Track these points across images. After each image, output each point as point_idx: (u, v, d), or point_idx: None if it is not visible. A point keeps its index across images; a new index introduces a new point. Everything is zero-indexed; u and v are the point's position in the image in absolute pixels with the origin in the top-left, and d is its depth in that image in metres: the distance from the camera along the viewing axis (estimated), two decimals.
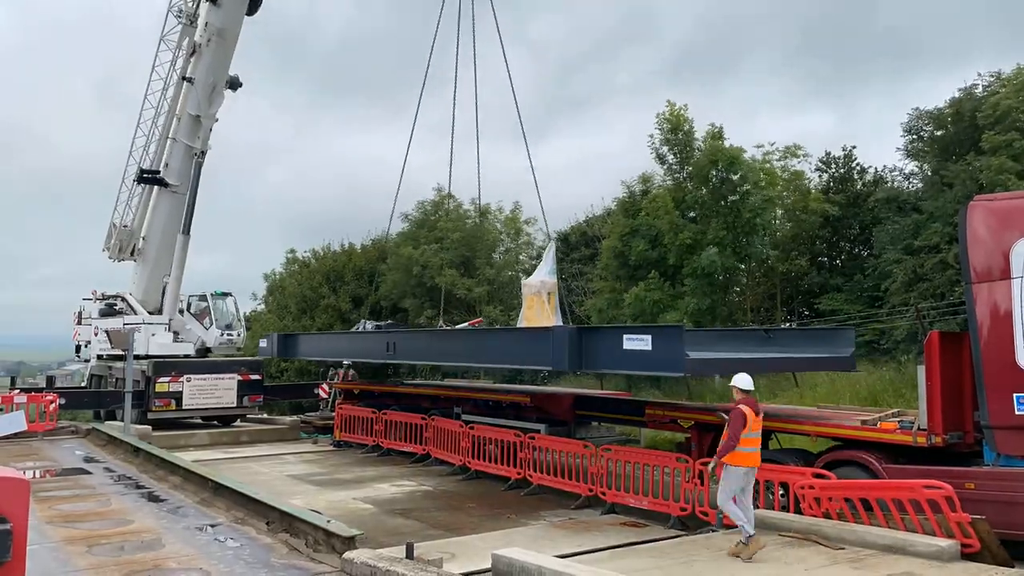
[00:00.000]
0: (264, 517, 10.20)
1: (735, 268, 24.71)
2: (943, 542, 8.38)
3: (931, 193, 22.22)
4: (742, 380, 9.08)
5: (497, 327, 23.01)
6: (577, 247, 34.77)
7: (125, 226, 23.64)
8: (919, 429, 10.06)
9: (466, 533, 10.78)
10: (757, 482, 10.40)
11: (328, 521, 9.20)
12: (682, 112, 25.13)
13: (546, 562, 7.69)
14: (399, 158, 20.46)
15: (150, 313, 23.24)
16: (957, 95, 22.34)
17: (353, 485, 14.81)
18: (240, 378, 22.39)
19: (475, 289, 30.02)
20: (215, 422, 22.87)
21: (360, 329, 22.95)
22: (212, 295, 24.89)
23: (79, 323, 25.26)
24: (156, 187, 22.90)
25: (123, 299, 23.75)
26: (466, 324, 21.91)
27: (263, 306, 42.16)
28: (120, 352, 20.81)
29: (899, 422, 10.61)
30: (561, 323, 15.62)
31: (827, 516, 9.44)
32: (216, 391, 22.09)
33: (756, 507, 10.21)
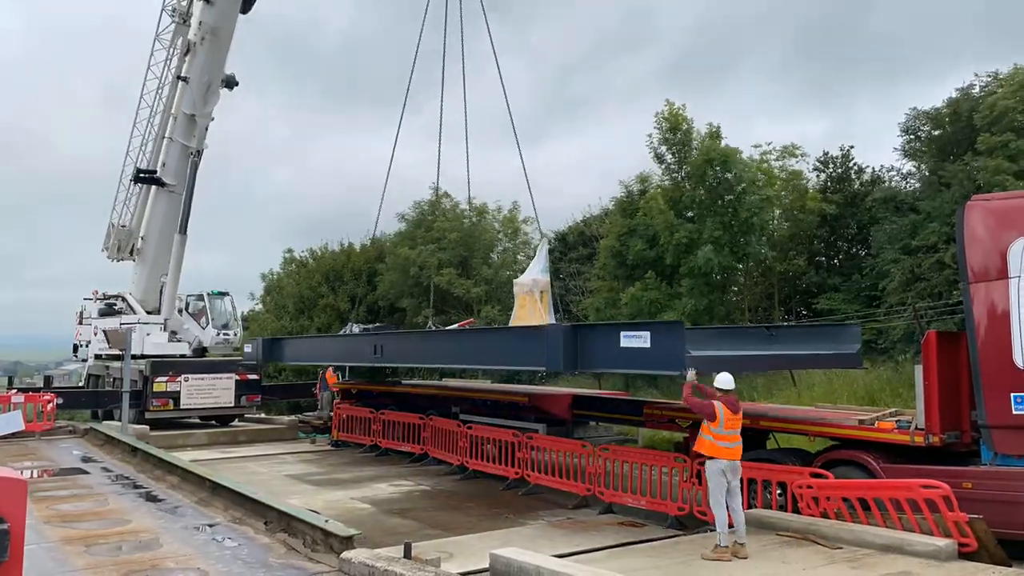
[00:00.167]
0: (262, 517, 10.20)
1: (733, 268, 24.68)
2: (940, 541, 8.39)
3: (929, 193, 22.20)
4: (721, 379, 9.31)
5: (487, 327, 22.53)
6: (575, 247, 34.78)
7: (123, 226, 23.65)
8: (917, 429, 10.05)
9: (464, 533, 10.77)
10: (755, 481, 10.44)
11: (326, 521, 9.19)
12: (681, 112, 25.14)
13: (544, 562, 7.70)
14: (399, 158, 20.44)
15: (149, 313, 23.24)
16: (954, 95, 22.33)
17: (351, 485, 14.81)
18: (238, 378, 22.37)
19: (473, 289, 30.03)
20: (213, 422, 22.86)
21: (347, 332, 22.41)
22: (209, 295, 24.87)
23: (81, 323, 25.29)
24: (153, 187, 22.89)
25: (123, 299, 23.76)
26: (457, 325, 21.81)
27: (260, 306, 42.14)
28: (118, 352, 20.82)
29: (897, 422, 10.60)
30: (554, 322, 15.18)
31: (825, 516, 9.46)
32: (214, 391, 22.07)
33: (754, 507, 10.23)
